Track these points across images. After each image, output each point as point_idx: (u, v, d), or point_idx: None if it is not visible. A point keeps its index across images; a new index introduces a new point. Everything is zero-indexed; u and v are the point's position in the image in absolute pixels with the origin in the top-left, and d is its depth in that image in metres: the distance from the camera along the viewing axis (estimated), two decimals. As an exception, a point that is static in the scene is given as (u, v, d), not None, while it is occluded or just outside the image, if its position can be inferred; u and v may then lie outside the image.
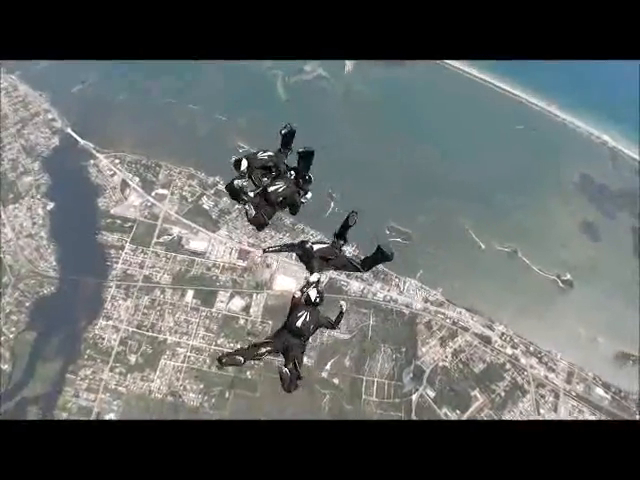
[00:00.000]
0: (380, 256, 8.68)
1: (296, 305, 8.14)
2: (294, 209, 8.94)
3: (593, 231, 37.79)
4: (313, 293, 8.08)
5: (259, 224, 8.50)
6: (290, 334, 8.02)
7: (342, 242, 9.01)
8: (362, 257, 9.04)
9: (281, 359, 7.86)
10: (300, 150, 8.86)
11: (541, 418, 31.76)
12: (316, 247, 8.66)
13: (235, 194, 8.29)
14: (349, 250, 34.06)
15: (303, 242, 8.83)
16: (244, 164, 8.30)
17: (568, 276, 35.37)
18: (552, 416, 32.15)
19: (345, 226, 8.85)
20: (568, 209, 38.22)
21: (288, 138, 9.00)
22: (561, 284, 35.37)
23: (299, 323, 7.97)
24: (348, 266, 8.98)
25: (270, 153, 8.67)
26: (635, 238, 38.21)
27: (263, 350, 7.77)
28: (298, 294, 8.21)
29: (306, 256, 8.71)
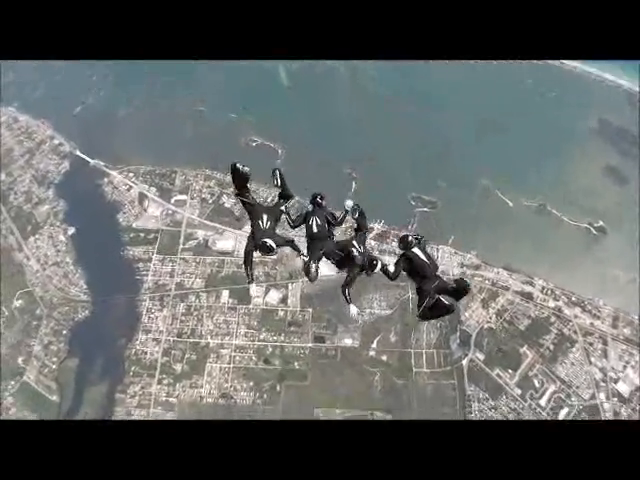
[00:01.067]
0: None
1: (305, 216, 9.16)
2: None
3: (618, 175, 36.90)
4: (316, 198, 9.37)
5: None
6: (313, 240, 9.02)
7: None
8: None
9: None
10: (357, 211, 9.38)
11: (589, 367, 31.33)
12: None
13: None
14: (377, 227, 33.64)
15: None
16: (271, 243, 8.29)
17: (600, 223, 34.64)
18: (602, 362, 31.66)
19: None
20: (590, 156, 37.28)
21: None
22: (594, 231, 34.63)
23: (314, 229, 8.99)
24: None
25: (265, 217, 8.62)
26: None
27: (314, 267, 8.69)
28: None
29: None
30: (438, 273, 8.52)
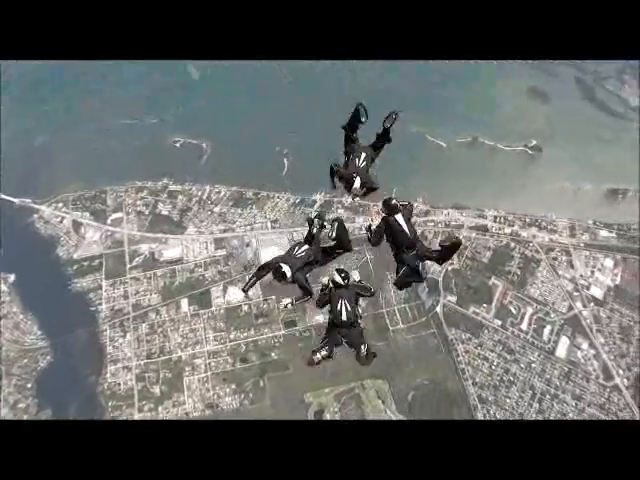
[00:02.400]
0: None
1: (330, 298, 7.59)
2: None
3: (540, 94, 36.96)
4: (337, 276, 7.54)
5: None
6: (341, 328, 7.52)
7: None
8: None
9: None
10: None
11: (559, 281, 31.08)
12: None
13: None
14: (319, 197, 32.38)
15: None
16: (287, 271, 7.29)
17: (534, 142, 34.34)
18: (570, 273, 31.45)
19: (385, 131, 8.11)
20: (510, 82, 36.78)
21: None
22: (530, 152, 34.39)
23: (344, 316, 7.44)
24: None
25: (305, 247, 7.68)
26: (579, 86, 37.87)
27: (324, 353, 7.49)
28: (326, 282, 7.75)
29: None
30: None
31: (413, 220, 8.07)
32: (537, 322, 30.63)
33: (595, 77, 37.91)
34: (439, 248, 7.61)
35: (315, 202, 31.81)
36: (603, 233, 32.43)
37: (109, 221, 32.79)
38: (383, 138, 8.29)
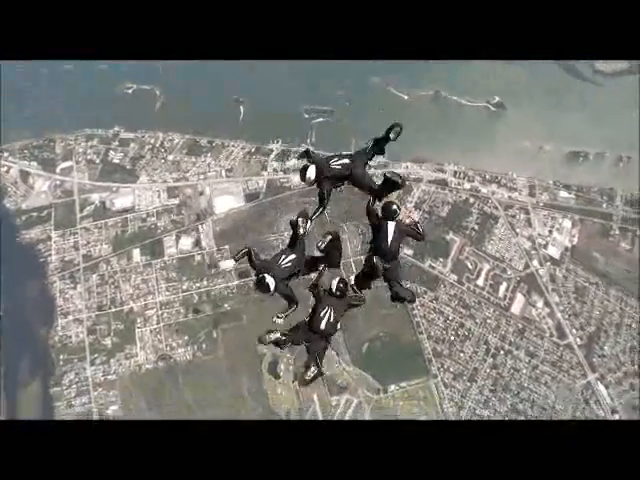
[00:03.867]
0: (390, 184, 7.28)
1: (318, 300, 7.07)
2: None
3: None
4: (335, 286, 6.95)
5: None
6: (312, 334, 7.02)
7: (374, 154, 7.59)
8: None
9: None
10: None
11: (516, 239, 30.69)
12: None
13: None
14: (275, 147, 31.19)
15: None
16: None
17: (497, 99, 33.32)
18: (528, 231, 31.08)
19: (385, 138, 7.36)
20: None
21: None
22: (493, 108, 33.36)
23: (322, 325, 6.90)
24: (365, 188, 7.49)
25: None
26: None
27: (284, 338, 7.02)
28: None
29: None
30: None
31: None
32: (493, 278, 30.22)
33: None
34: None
35: (272, 151, 30.57)
36: (562, 194, 31.88)
37: (58, 170, 31.07)
38: (379, 148, 7.61)
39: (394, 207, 6.98)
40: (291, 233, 7.29)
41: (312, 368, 7.02)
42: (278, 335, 6.91)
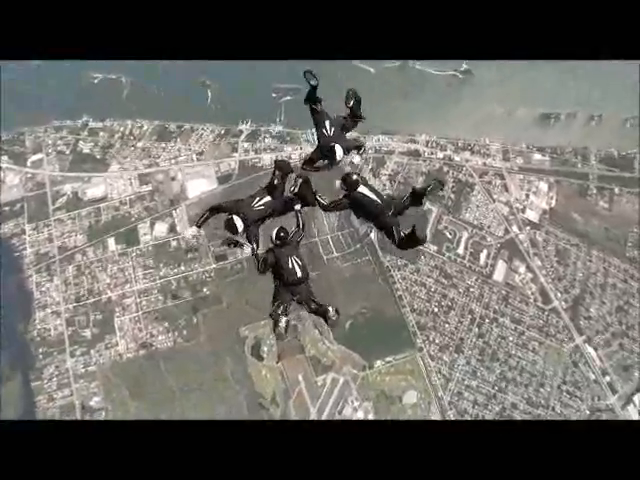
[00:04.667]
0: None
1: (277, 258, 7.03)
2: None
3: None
4: (274, 233, 7.10)
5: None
6: (296, 286, 7.08)
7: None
8: None
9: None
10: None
11: (493, 205, 30.29)
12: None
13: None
14: (245, 128, 30.77)
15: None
16: (239, 225, 7.00)
17: (464, 66, 32.67)
18: (505, 196, 30.69)
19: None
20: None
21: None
22: (460, 75, 32.70)
23: (298, 273, 7.01)
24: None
25: (267, 199, 7.29)
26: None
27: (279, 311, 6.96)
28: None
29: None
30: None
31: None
32: (473, 246, 29.83)
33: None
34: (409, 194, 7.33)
35: (241, 132, 30.01)
36: (537, 156, 31.55)
37: (29, 163, 30.31)
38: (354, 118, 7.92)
39: (354, 177, 7.09)
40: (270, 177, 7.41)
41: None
42: (285, 319, 6.90)
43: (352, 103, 7.91)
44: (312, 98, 7.86)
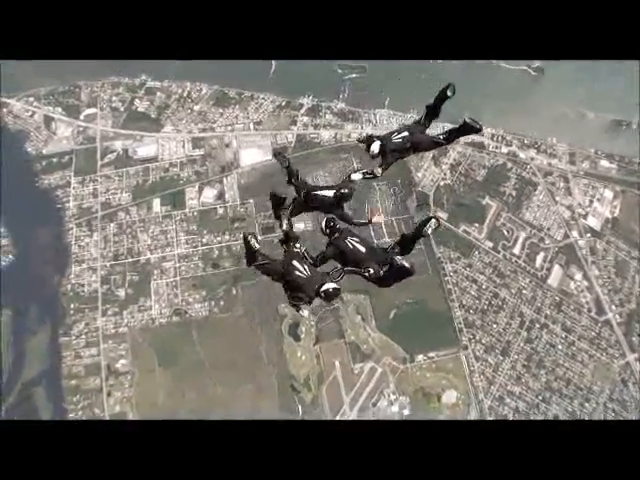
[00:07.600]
0: (468, 128, 7.05)
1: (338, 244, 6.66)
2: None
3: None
4: (325, 227, 6.85)
5: None
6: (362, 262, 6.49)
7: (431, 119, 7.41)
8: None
9: None
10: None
11: (555, 207, 28.34)
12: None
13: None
14: (307, 101, 29.38)
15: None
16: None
17: (537, 63, 31.09)
18: (567, 200, 28.73)
19: (441, 98, 7.15)
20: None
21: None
22: (532, 72, 31.02)
23: (357, 255, 6.50)
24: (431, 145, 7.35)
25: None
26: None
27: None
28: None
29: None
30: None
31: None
32: (530, 247, 27.92)
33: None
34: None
35: (302, 105, 28.72)
36: (604, 163, 29.61)
37: (82, 117, 29.39)
38: (435, 111, 7.44)
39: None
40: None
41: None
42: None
43: (450, 94, 7.23)
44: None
